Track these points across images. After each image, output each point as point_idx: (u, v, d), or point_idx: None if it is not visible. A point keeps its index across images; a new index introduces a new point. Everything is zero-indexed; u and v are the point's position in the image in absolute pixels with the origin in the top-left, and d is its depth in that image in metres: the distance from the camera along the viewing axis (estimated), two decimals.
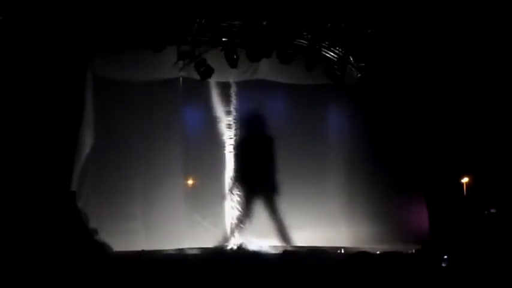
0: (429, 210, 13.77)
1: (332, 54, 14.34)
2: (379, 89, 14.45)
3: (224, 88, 14.41)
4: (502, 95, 13.02)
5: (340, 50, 14.30)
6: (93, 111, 13.10)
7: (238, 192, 14.30)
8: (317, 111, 15.00)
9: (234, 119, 14.48)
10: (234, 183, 14.31)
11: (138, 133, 13.59)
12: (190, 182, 14.20)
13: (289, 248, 13.58)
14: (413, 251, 12.84)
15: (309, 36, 13.93)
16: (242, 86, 14.52)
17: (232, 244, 13.63)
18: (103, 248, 11.29)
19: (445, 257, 10.86)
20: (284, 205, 14.30)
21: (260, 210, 14.30)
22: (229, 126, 14.43)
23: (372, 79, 14.45)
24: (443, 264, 10.75)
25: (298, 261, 11.67)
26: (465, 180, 13.42)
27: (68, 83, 12.12)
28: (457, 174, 13.51)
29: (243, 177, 14.34)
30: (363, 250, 11.99)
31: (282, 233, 14.18)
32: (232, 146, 14.42)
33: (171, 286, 9.75)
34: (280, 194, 14.31)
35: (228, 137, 14.44)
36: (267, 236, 14.04)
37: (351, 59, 14.49)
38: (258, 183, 14.45)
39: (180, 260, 12.16)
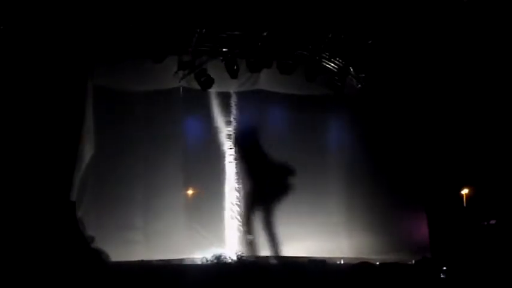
0: (429, 221, 13.76)
1: (332, 65, 14.38)
2: (379, 100, 14.47)
3: (224, 98, 14.44)
4: (501, 107, 13.03)
5: (340, 60, 14.35)
6: (94, 121, 13.07)
7: (238, 202, 14.30)
8: (317, 122, 15.02)
9: (234, 129, 14.50)
10: (233, 193, 14.32)
11: (138, 143, 13.59)
12: (190, 192, 14.21)
13: (289, 259, 13.57)
14: (413, 261, 12.83)
15: (310, 46, 13.97)
16: (242, 96, 14.55)
17: (232, 254, 13.61)
18: (100, 256, 11.27)
19: (444, 268, 10.86)
20: (284, 216, 14.28)
21: (259, 220, 14.30)
22: (229, 136, 14.45)
23: (372, 90, 14.48)
24: (442, 276, 10.74)
25: (298, 271, 11.65)
26: (465, 191, 13.45)
27: (69, 93, 12.12)
28: (457, 185, 13.52)
29: (242, 187, 14.35)
30: (363, 260, 11.98)
31: (273, 244, 14.16)
32: (232, 156, 14.44)
33: None
34: (280, 204, 14.30)
35: (228, 147, 14.45)
36: (266, 247, 14.07)
37: (351, 69, 14.54)
38: (258, 193, 14.43)
39: (179, 270, 12.14)
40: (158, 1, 12.18)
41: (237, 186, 14.35)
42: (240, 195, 14.33)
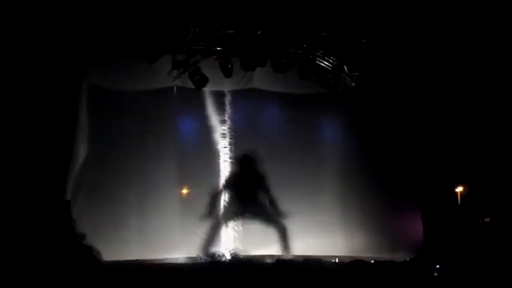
0: (423, 219, 13.76)
1: (326, 63, 14.39)
2: (373, 98, 14.47)
3: (218, 97, 14.46)
4: (495, 105, 13.05)
5: (334, 59, 14.35)
6: (88, 121, 13.05)
7: (232, 201, 14.28)
8: (311, 120, 15.05)
9: (229, 128, 14.52)
10: (228, 192, 14.30)
11: (133, 142, 13.58)
12: (184, 191, 14.21)
13: (283, 257, 13.55)
14: (408, 259, 12.84)
15: (304, 45, 13.97)
16: (236, 95, 14.57)
17: (226, 253, 13.60)
18: (94, 255, 11.26)
19: (437, 266, 10.87)
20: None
21: (253, 219, 14.28)
22: (223, 135, 14.48)
23: (366, 88, 14.47)
24: (435, 274, 10.75)
25: (292, 270, 11.63)
26: (459, 189, 13.46)
27: (63, 93, 12.09)
28: (452, 183, 13.53)
29: (237, 187, 14.34)
30: (357, 259, 11.97)
31: (281, 241, 14.15)
32: (226, 155, 14.45)
33: None
34: (275, 202, 14.28)
35: (223, 146, 14.47)
36: (261, 245, 14.05)
37: (345, 68, 14.54)
38: (252, 191, 14.42)
39: (174, 269, 12.12)
40: (152, 0, 12.19)
41: (232, 184, 14.35)
42: (234, 193, 14.32)
